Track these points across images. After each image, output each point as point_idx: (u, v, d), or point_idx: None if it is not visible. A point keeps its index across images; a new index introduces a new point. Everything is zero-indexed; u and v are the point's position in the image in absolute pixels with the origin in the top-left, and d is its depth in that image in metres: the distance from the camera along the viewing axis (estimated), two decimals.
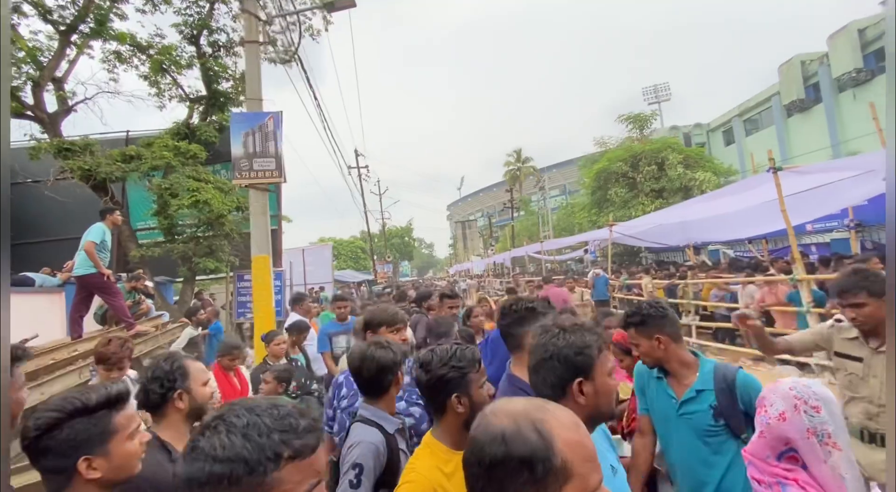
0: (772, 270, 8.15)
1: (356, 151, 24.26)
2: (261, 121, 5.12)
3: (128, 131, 11.76)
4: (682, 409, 1.76)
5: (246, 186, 5.14)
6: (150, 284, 7.19)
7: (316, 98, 9.39)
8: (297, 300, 4.69)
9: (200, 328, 6.16)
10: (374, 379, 1.72)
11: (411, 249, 55.52)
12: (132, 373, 3.24)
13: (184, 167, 8.41)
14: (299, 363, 4.01)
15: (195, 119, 10.87)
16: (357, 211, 44.75)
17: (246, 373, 3.35)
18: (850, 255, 8.61)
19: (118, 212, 5.39)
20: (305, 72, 7.61)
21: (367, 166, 24.52)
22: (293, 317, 4.59)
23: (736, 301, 7.70)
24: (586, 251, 14.80)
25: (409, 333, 4.27)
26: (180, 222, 9.64)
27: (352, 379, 2.08)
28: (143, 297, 6.30)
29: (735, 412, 1.72)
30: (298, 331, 4.16)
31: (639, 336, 1.85)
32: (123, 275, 7.25)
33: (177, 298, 11.89)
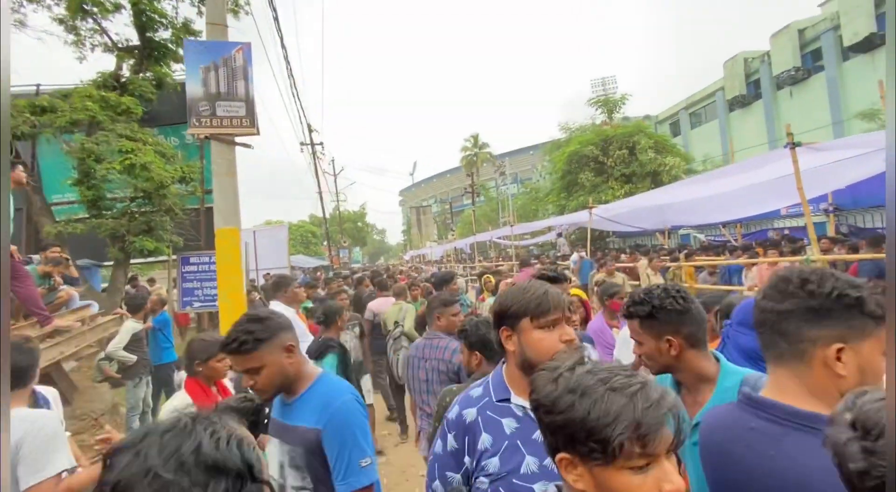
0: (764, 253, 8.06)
1: (310, 127, 22.43)
2: (226, 53, 3.96)
3: (38, 85, 9.70)
4: (693, 435, 1.17)
5: (206, 137, 3.97)
6: (72, 267, 5.74)
7: (284, 46, 8.06)
8: (280, 285, 3.61)
9: (143, 321, 4.91)
10: None
11: (365, 234, 53.71)
12: (45, 390, 2.15)
13: (114, 124, 6.86)
14: None
15: (125, 72, 9.11)
16: (304, 194, 42.35)
17: (230, 386, 2.33)
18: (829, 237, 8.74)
19: (21, 167, 4.03)
20: (275, 10, 6.32)
21: (321, 143, 22.81)
22: (276, 308, 3.55)
23: (730, 284, 7.49)
24: (560, 235, 14.45)
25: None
26: (109, 195, 8.02)
27: (498, 416, 1.16)
28: (59, 282, 4.91)
29: None
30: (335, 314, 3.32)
31: (643, 332, 1.35)
32: (36, 256, 5.75)
33: (105, 285, 10.14)
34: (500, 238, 23.39)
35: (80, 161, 7.28)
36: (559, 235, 14.73)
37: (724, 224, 11.40)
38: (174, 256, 9.07)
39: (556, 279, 2.25)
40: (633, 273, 8.67)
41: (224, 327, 3.91)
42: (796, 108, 25.21)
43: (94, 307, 5.24)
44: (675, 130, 33.48)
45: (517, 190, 39.34)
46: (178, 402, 1.96)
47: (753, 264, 6.86)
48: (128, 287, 9.15)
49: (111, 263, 8.76)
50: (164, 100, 9.23)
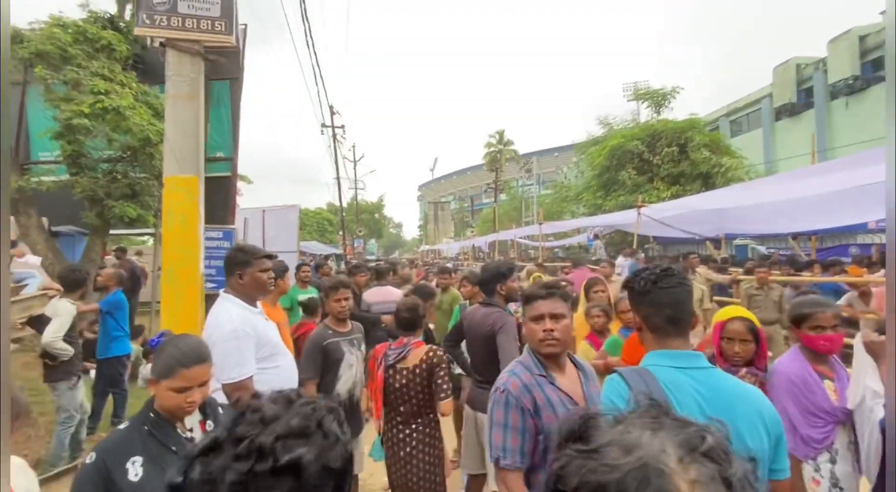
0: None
1: (331, 108, 21.31)
2: None
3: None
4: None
5: (162, 43, 2.73)
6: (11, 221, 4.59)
7: (306, 20, 6.89)
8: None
9: (81, 300, 3.73)
10: None
11: (381, 226, 52.62)
12: None
13: (90, 61, 5.71)
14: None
15: (127, 16, 8.01)
16: (324, 183, 41.41)
17: None
18: None
19: None
20: None
21: (342, 126, 21.68)
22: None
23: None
24: (596, 236, 13.00)
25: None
26: (93, 153, 6.91)
27: None
28: None
29: None
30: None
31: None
32: None
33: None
34: (523, 237, 21.96)
35: (61, 110, 6.19)
36: (595, 236, 13.26)
37: (795, 236, 9.85)
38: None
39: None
40: None
41: (167, 318, 2.69)
42: (851, 120, 23.36)
43: (32, 280, 4.07)
44: None
45: (539, 192, 37.76)
46: None
47: (864, 284, 5.34)
48: (112, 260, 8.09)
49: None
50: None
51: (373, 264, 8.85)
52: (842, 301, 5.34)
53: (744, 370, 1.73)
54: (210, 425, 1.38)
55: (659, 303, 1.33)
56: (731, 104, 30.91)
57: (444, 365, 2.48)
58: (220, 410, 1.46)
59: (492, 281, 2.74)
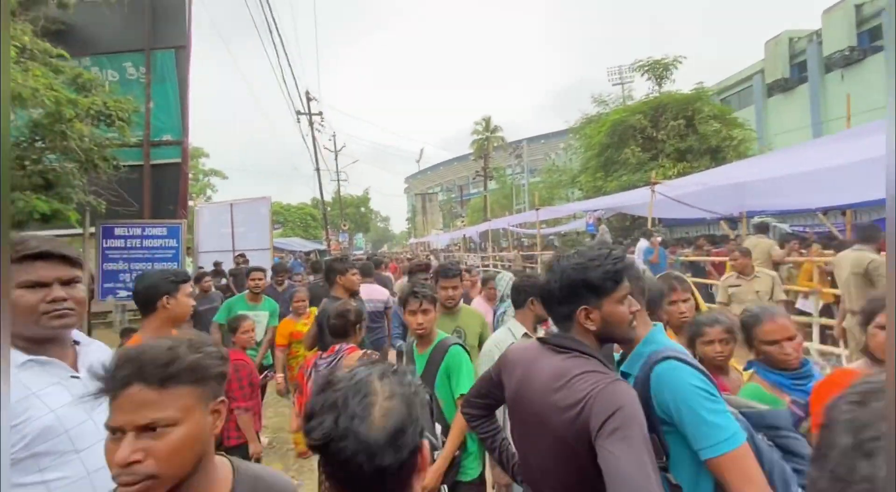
0: None
1: (307, 94, 19.80)
2: None
3: None
4: None
5: None
6: None
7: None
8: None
9: None
10: None
11: (368, 220, 51.11)
12: None
13: None
14: None
15: None
16: (304, 178, 39.67)
17: None
18: None
19: None
20: None
21: (320, 113, 20.17)
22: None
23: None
24: (599, 220, 11.92)
25: None
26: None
27: None
28: None
29: (649, 419, 1.03)
30: None
31: None
32: None
33: None
34: (517, 225, 20.87)
35: None
36: (597, 221, 12.17)
37: (825, 211, 8.85)
38: (92, 229, 6.61)
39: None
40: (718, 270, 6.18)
41: None
42: (847, 92, 22.44)
43: None
44: None
45: (528, 180, 36.70)
46: None
47: None
48: None
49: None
50: (104, 20, 6.93)
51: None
52: None
53: None
54: None
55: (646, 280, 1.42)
56: (722, 82, 29.98)
57: None
58: None
59: (581, 292, 1.18)
